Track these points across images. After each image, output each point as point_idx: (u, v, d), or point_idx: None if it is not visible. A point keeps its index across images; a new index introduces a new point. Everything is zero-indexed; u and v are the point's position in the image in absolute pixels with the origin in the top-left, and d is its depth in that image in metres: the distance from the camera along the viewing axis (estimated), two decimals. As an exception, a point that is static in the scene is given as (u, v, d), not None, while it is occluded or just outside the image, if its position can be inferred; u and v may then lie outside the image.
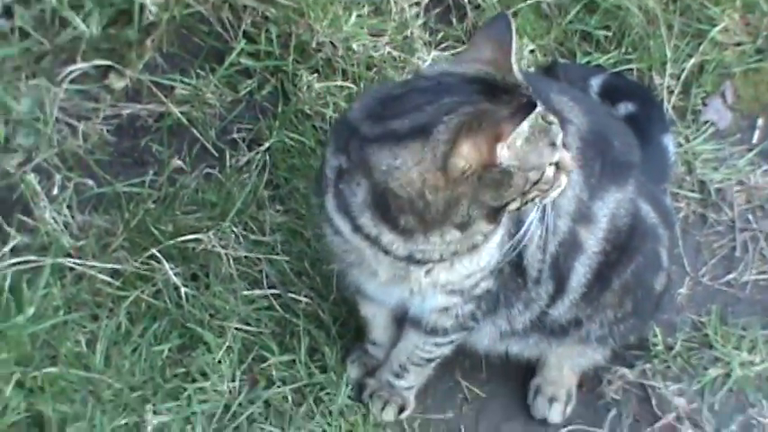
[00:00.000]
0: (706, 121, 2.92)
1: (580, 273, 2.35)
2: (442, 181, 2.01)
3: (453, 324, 2.36)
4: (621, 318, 2.44)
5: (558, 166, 2.06)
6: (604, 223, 2.32)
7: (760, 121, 2.95)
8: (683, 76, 2.93)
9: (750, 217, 2.82)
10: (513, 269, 2.31)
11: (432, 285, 2.25)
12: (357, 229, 2.14)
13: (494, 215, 2.09)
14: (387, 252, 2.16)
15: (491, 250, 2.22)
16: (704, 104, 2.94)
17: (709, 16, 2.97)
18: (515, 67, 2.08)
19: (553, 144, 2.03)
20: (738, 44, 2.98)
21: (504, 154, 1.96)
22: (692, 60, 2.94)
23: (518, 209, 2.10)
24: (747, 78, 2.98)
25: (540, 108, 2.01)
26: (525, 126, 1.96)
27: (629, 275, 2.39)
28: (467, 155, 1.97)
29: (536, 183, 2.04)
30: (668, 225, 2.48)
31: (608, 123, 2.42)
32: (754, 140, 2.93)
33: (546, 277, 2.34)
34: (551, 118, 2.04)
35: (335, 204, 2.16)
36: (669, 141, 2.68)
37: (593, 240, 2.33)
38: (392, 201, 2.06)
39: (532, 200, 2.08)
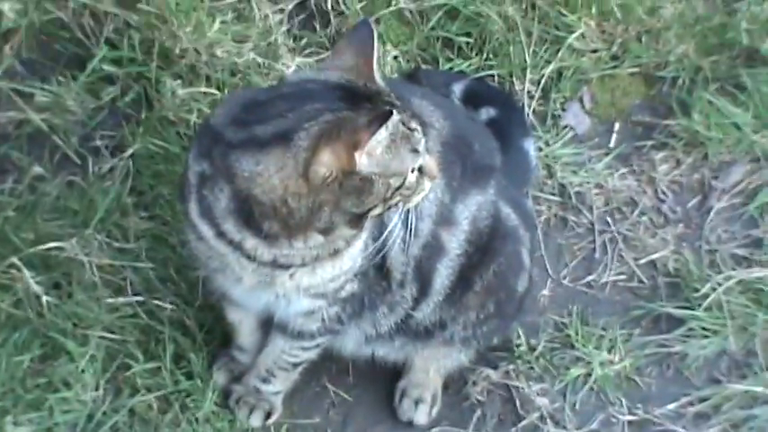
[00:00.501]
0: (565, 126, 2.96)
1: (443, 275, 2.38)
2: (303, 188, 2.01)
3: (319, 327, 2.38)
4: (485, 319, 2.47)
5: (420, 171, 2.08)
6: (466, 225, 2.36)
7: (616, 126, 3.00)
8: (542, 82, 2.96)
9: (608, 219, 2.86)
10: (377, 272, 2.33)
11: (296, 289, 2.26)
12: (220, 234, 2.14)
13: (356, 221, 2.11)
14: (250, 258, 2.16)
15: (354, 254, 2.23)
16: (563, 109, 2.98)
17: (567, 23, 3.00)
18: (377, 74, 2.10)
19: (415, 150, 2.04)
20: (595, 51, 3.02)
21: (363, 161, 1.98)
22: (551, 66, 2.97)
23: (380, 214, 2.12)
24: (604, 84, 3.03)
25: (399, 115, 2.02)
26: (383, 134, 1.97)
27: (492, 276, 2.42)
28: (327, 162, 1.98)
29: (398, 188, 2.05)
30: (529, 227, 2.52)
31: (468, 127, 2.45)
32: (611, 144, 2.97)
33: (409, 280, 2.37)
34: (413, 124, 2.06)
35: (198, 210, 2.15)
36: (530, 146, 2.73)
37: (455, 242, 2.36)
38: (255, 207, 2.06)
39: (395, 205, 2.09)
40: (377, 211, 2.09)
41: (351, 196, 2.03)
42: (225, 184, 2.08)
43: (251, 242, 2.12)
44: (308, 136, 1.99)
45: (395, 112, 1.99)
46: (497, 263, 2.42)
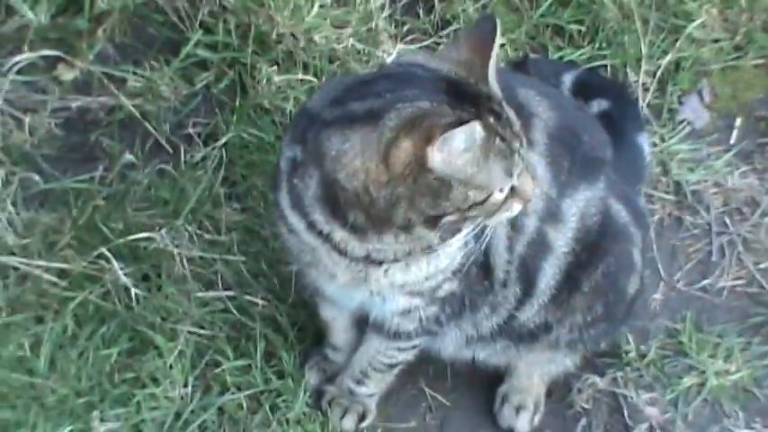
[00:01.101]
0: (682, 121, 2.93)
1: (549, 274, 2.34)
2: (383, 175, 1.99)
3: (417, 327, 2.35)
4: (592, 322, 2.42)
5: (513, 190, 2.05)
6: (573, 222, 2.31)
7: (738, 121, 2.96)
8: (658, 74, 2.94)
9: (727, 220, 2.83)
10: (480, 271, 2.30)
11: (390, 286, 2.24)
12: (311, 226, 2.13)
13: (433, 223, 2.06)
14: (342, 252, 2.15)
15: (451, 252, 2.21)
16: (680, 103, 2.95)
17: (686, 11, 2.98)
18: (492, 77, 2.05)
19: (509, 172, 2.01)
20: (716, 41, 3.00)
21: (435, 159, 1.94)
22: (668, 57, 2.94)
23: (456, 223, 2.08)
24: (725, 76, 3.00)
25: (497, 128, 1.98)
26: (458, 138, 1.92)
27: (600, 277, 2.37)
28: (405, 149, 1.95)
29: (479, 203, 2.02)
30: (642, 226, 2.46)
31: (577, 118, 2.40)
32: (732, 141, 2.94)
33: (513, 279, 2.33)
34: (516, 144, 2.02)
35: (289, 200, 2.14)
36: (644, 141, 2.68)
37: (561, 240, 2.32)
38: (340, 194, 2.04)
39: (473, 218, 2.06)
40: (452, 218, 2.04)
41: (425, 196, 2.00)
42: (315, 168, 2.06)
43: (340, 234, 2.10)
44: (397, 117, 1.97)
45: (482, 122, 1.94)
46: (606, 263, 2.37)
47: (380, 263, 2.17)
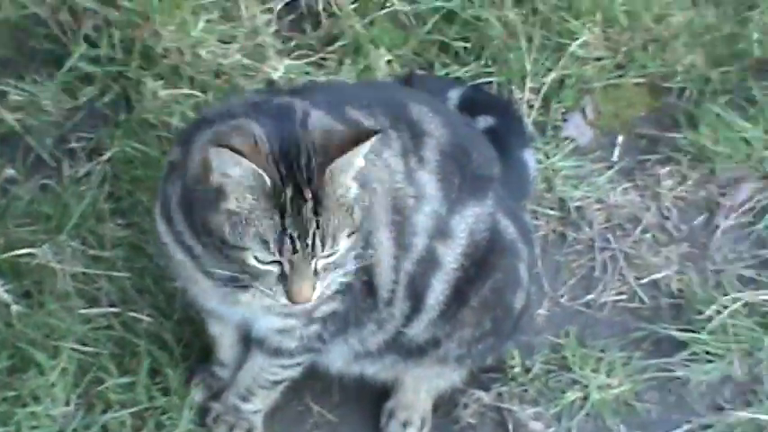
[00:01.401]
0: (566, 138, 2.95)
1: (438, 290, 2.35)
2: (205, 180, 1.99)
3: (298, 346, 2.35)
4: (480, 336, 2.44)
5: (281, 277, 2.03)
6: (463, 239, 2.33)
7: (620, 139, 2.99)
8: (542, 91, 2.96)
9: (609, 236, 2.85)
10: (363, 290, 2.30)
11: (262, 308, 2.22)
12: (177, 237, 2.12)
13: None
14: (206, 272, 2.14)
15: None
16: (564, 120, 2.98)
17: (570, 30, 3.00)
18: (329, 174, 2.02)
19: (270, 245, 1.98)
20: (598, 59, 3.02)
21: (212, 157, 1.93)
22: (552, 75, 2.97)
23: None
24: (607, 94, 3.03)
25: (252, 168, 1.93)
26: (230, 156, 1.91)
27: (488, 292, 2.39)
28: (210, 160, 1.95)
29: (237, 248, 2.00)
30: (528, 242, 2.50)
31: (467, 136, 2.42)
32: (614, 158, 2.97)
33: (401, 297, 2.33)
34: (305, 233, 1.98)
35: (159, 207, 2.15)
36: (530, 157, 2.70)
37: (451, 256, 2.32)
38: (191, 198, 2.04)
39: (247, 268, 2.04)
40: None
41: (207, 206, 2.00)
42: (183, 170, 2.06)
43: (199, 249, 2.09)
44: (226, 124, 2.00)
45: (260, 168, 1.94)
46: (494, 278, 2.39)
47: (245, 287, 2.12)
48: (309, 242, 1.99)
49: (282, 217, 1.97)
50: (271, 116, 2.04)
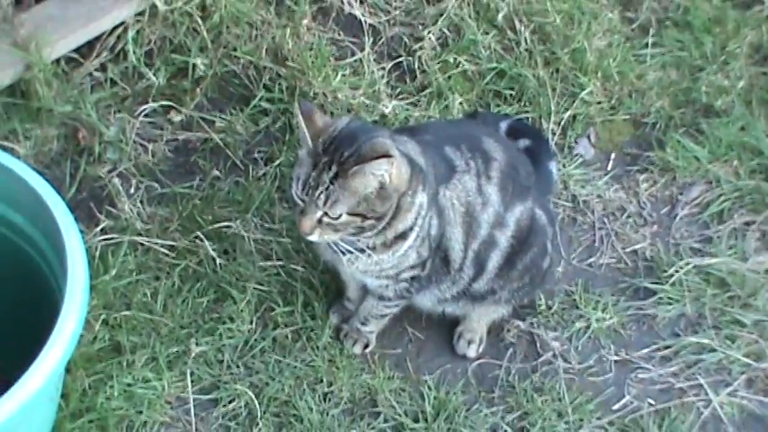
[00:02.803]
0: (577, 154, 2.92)
1: (494, 261, 2.34)
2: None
3: (393, 295, 2.34)
4: (522, 287, 2.44)
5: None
6: (513, 226, 2.32)
7: (613, 155, 2.94)
8: (562, 123, 2.92)
9: (605, 220, 2.81)
10: (441, 262, 2.29)
11: (360, 272, 2.23)
12: None
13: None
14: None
15: (402, 252, 2.19)
16: (576, 143, 2.93)
17: (580, 83, 2.97)
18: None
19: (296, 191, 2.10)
20: (599, 102, 2.98)
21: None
22: (568, 112, 2.93)
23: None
24: (605, 126, 2.98)
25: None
26: None
27: (528, 260, 2.38)
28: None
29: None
30: (552, 224, 2.48)
31: (517, 157, 2.40)
32: (609, 168, 2.92)
33: (468, 266, 2.32)
34: (320, 181, 2.04)
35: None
36: (553, 166, 2.68)
37: (504, 239, 2.32)
38: None
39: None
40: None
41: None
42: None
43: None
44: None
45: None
46: (532, 250, 2.38)
47: (343, 253, 2.15)
48: (317, 194, 2.03)
49: (313, 169, 2.01)
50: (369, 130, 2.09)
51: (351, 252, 2.17)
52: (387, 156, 2.00)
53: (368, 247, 2.16)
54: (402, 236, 2.19)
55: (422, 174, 2.16)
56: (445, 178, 2.23)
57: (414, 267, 2.26)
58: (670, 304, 2.66)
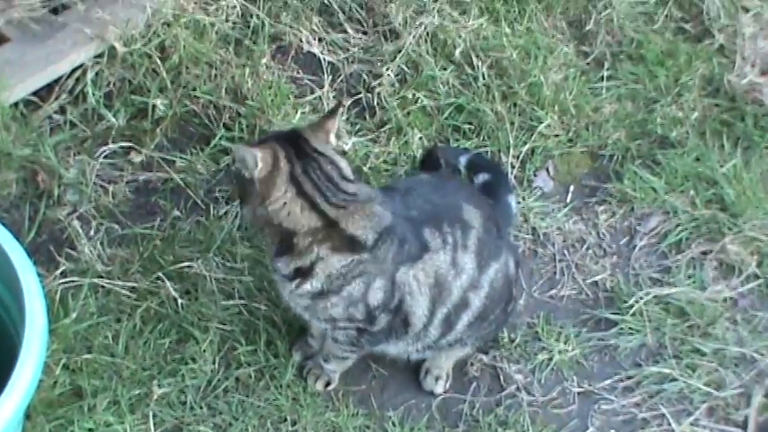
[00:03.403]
0: (536, 187, 2.92)
1: (465, 320, 2.31)
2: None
3: (343, 340, 2.32)
4: (490, 331, 2.43)
5: None
6: (486, 287, 2.29)
7: (571, 188, 2.95)
8: (520, 156, 2.93)
9: (565, 252, 2.82)
10: (401, 322, 2.26)
11: (298, 306, 2.27)
12: None
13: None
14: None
15: (324, 302, 2.21)
16: (535, 175, 2.94)
17: (538, 116, 2.98)
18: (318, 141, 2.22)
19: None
20: (557, 135, 2.99)
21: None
22: (527, 146, 2.94)
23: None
24: (563, 158, 2.99)
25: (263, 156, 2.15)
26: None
27: (499, 311, 2.36)
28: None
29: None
30: (517, 266, 2.44)
31: (491, 216, 2.34)
32: (568, 200, 2.94)
33: (435, 326, 2.29)
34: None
35: None
36: (512, 200, 2.67)
37: (478, 300, 2.29)
38: None
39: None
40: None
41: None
42: None
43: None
44: None
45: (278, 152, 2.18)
46: (504, 300, 2.37)
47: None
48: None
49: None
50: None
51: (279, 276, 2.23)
52: None
53: (283, 274, 2.20)
54: (302, 274, 2.19)
55: (356, 244, 2.17)
56: (412, 258, 2.20)
57: (351, 321, 2.24)
58: (631, 334, 2.66)
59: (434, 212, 2.25)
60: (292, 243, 2.18)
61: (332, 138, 2.25)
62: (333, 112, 2.27)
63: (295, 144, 2.19)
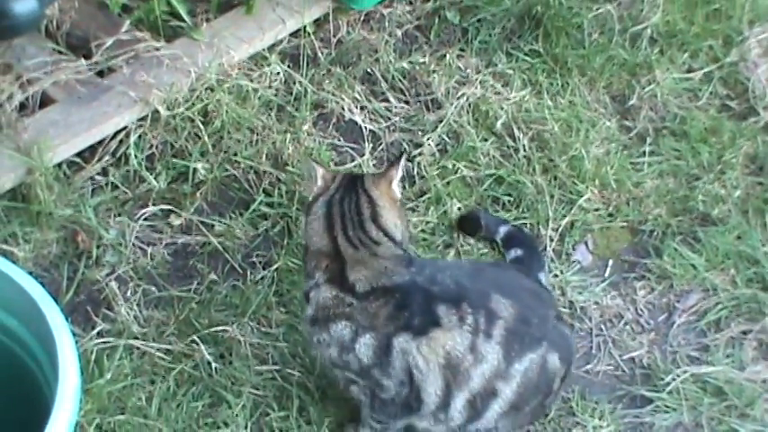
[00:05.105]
0: (575, 261, 2.95)
1: (495, 409, 2.28)
2: None
3: (363, 398, 2.35)
4: (525, 421, 2.43)
5: None
6: (518, 378, 2.27)
7: (610, 262, 2.97)
8: (559, 230, 2.96)
9: (602, 326, 2.83)
10: (415, 398, 2.26)
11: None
12: None
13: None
14: None
15: (329, 339, 2.30)
16: (573, 249, 2.97)
17: (578, 190, 3.02)
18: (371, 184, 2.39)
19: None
20: (597, 209, 3.02)
21: None
22: (566, 219, 2.97)
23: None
24: (602, 233, 3.01)
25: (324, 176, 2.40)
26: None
27: (536, 403, 2.35)
28: None
29: None
30: (565, 360, 2.39)
31: (530, 306, 2.32)
32: (606, 274, 2.95)
33: (459, 410, 2.27)
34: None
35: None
36: (543, 277, 2.70)
37: (508, 390, 2.26)
38: None
39: None
40: None
41: None
42: None
43: None
44: None
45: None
46: (543, 394, 2.35)
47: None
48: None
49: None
50: None
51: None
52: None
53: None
54: (307, 299, 2.34)
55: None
56: (416, 329, 2.22)
57: (349, 370, 2.28)
58: (667, 413, 2.67)
59: (457, 293, 2.25)
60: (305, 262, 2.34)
61: (395, 186, 2.37)
62: (395, 162, 2.40)
63: (352, 179, 2.39)
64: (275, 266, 2.78)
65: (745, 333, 2.82)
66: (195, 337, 2.60)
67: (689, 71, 3.37)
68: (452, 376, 2.22)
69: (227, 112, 2.93)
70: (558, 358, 2.32)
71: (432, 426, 2.33)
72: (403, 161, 2.40)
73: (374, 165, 3.03)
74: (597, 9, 3.40)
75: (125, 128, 2.84)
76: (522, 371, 2.25)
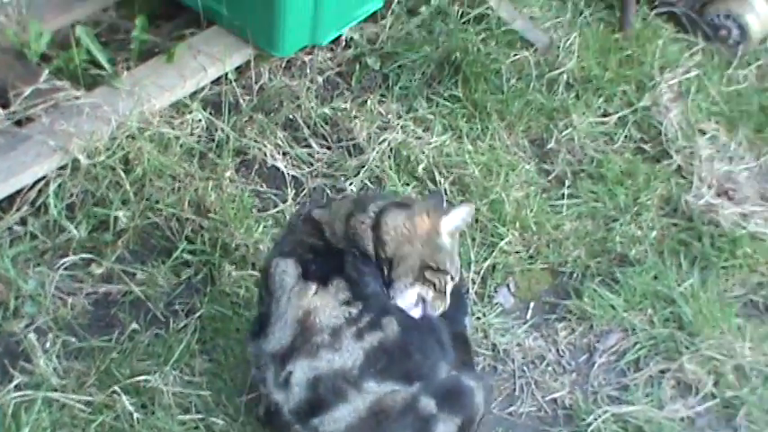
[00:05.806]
0: (497, 303, 2.98)
1: (344, 415, 2.24)
2: None
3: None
4: None
5: None
6: (373, 398, 2.24)
7: (532, 304, 3.02)
8: (481, 272, 3.00)
9: (525, 368, 2.87)
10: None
11: None
12: None
13: None
14: None
15: None
16: (496, 292, 3.01)
17: (499, 233, 3.07)
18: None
19: None
20: (518, 252, 3.08)
21: None
22: (488, 262, 3.02)
23: None
24: (524, 275, 3.06)
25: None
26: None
27: None
28: None
29: None
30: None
31: (421, 345, 2.33)
32: (528, 316, 2.99)
33: (300, 381, 2.25)
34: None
35: None
36: (467, 321, 2.67)
37: (360, 402, 2.24)
38: None
39: None
40: None
41: None
42: None
43: None
44: None
45: None
46: None
47: None
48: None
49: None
50: None
51: None
52: None
53: None
54: None
55: None
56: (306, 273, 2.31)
57: None
58: (590, 452, 2.71)
59: (372, 292, 2.27)
60: None
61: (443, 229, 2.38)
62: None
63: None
64: (198, 314, 2.77)
65: (662, 372, 2.87)
66: (116, 388, 2.57)
67: (604, 115, 3.47)
68: (301, 337, 2.21)
69: (148, 159, 2.93)
70: (434, 405, 2.26)
71: (276, 394, 2.32)
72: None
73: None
74: (514, 55, 3.49)
75: (44, 177, 2.83)
76: (380, 393, 2.22)
